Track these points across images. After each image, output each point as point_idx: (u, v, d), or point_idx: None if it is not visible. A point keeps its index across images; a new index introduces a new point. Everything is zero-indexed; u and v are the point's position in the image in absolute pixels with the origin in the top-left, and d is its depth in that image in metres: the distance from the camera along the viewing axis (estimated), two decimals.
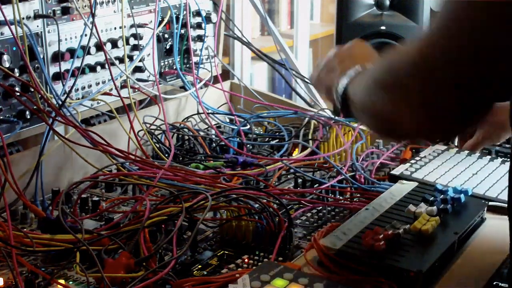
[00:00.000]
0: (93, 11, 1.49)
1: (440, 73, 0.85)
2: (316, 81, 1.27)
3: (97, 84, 1.60)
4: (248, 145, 1.67)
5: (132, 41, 1.68)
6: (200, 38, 1.87)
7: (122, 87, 1.65)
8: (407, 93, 0.89)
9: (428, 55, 0.86)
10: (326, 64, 1.23)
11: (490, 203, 1.28)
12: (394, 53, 0.98)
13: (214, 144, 1.66)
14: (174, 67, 1.82)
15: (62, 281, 1.04)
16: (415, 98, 0.88)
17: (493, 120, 1.49)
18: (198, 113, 1.80)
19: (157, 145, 1.58)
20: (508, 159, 1.50)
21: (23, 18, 1.37)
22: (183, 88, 1.83)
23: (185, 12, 1.80)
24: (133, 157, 1.45)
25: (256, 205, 1.23)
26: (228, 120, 1.84)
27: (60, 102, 1.42)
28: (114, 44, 1.62)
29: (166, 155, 1.54)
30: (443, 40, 0.84)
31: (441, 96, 0.86)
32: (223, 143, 1.64)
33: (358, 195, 1.39)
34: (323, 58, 1.26)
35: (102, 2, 1.59)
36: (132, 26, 1.68)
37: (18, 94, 1.37)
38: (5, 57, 1.35)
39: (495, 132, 1.51)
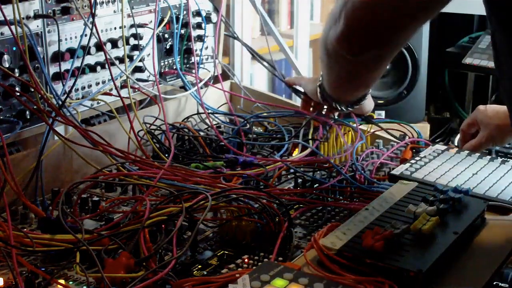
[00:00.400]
0: (93, 11, 1.49)
1: None
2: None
3: (97, 84, 1.60)
4: (248, 145, 1.67)
5: (132, 41, 1.68)
6: (200, 38, 1.87)
7: (122, 87, 1.65)
8: (337, 15, 1.04)
9: None
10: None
11: (490, 203, 1.28)
12: None
13: (214, 144, 1.66)
14: (174, 67, 1.82)
15: (62, 281, 1.04)
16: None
17: (498, 123, 1.50)
18: (198, 113, 1.80)
19: (157, 145, 1.58)
20: (508, 159, 1.50)
21: (23, 18, 1.37)
22: (183, 88, 1.84)
23: (185, 12, 1.80)
24: (133, 157, 1.45)
25: (256, 205, 1.23)
26: (228, 120, 1.84)
27: (60, 102, 1.42)
28: (114, 44, 1.62)
29: (166, 155, 1.54)
30: None
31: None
32: (223, 143, 1.64)
33: (358, 195, 1.39)
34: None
35: (102, 2, 1.59)
36: (132, 26, 1.68)
37: (18, 94, 1.37)
38: (5, 57, 1.35)
39: (499, 135, 1.51)
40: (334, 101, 1.53)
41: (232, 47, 2.19)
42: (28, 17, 1.41)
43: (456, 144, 1.67)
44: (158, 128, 1.66)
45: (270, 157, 1.60)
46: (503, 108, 1.52)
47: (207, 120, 1.76)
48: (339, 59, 1.11)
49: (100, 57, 1.58)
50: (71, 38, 1.51)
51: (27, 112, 1.40)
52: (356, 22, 1.00)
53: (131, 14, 1.67)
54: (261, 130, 1.81)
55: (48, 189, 1.38)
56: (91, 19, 1.49)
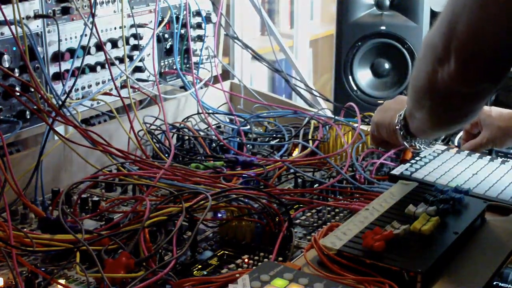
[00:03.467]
0: (93, 11, 1.49)
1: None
2: (373, 127, 1.44)
3: (97, 84, 1.60)
4: (248, 145, 1.67)
5: (132, 41, 1.68)
6: (200, 38, 1.88)
7: (122, 87, 1.65)
8: (440, 55, 1.01)
9: None
10: (379, 109, 1.44)
11: (490, 203, 1.28)
12: (427, 34, 1.10)
13: (214, 144, 1.66)
14: (174, 67, 1.82)
15: (62, 281, 1.04)
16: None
17: (500, 125, 1.49)
18: (198, 113, 1.80)
19: (157, 145, 1.58)
20: (508, 159, 1.50)
21: (23, 18, 1.37)
22: (183, 88, 1.84)
23: (185, 12, 1.80)
24: (133, 157, 1.45)
25: (256, 205, 1.23)
26: (228, 120, 1.84)
27: (60, 102, 1.42)
28: (114, 44, 1.62)
29: (166, 155, 1.54)
30: None
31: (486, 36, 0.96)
32: (223, 143, 1.64)
33: (358, 195, 1.39)
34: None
35: (102, 2, 1.59)
36: (132, 26, 1.68)
37: (18, 94, 1.37)
38: (5, 57, 1.35)
39: (500, 137, 1.51)
40: (417, 141, 1.41)
41: (232, 47, 2.19)
42: (28, 17, 1.41)
43: (456, 144, 1.67)
44: (158, 128, 1.67)
45: (270, 157, 1.60)
46: (508, 110, 1.52)
47: (206, 120, 1.76)
48: (453, 98, 1.08)
49: (100, 57, 1.58)
50: (71, 38, 1.51)
51: (27, 112, 1.40)
52: (470, 57, 0.98)
53: (131, 14, 1.67)
54: (261, 130, 1.81)
55: (48, 189, 1.38)
56: (91, 19, 1.49)
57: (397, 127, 1.32)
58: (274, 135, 1.74)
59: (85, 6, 1.52)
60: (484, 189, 1.35)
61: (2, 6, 1.32)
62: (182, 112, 1.83)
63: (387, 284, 1.00)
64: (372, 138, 1.47)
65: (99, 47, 1.55)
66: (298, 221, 1.29)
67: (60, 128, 1.57)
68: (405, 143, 1.36)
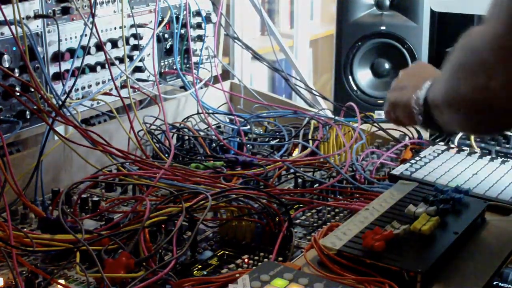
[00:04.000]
0: (93, 11, 1.49)
1: None
2: (389, 107, 1.28)
3: (97, 84, 1.60)
4: (248, 145, 1.67)
5: (132, 41, 1.68)
6: (200, 38, 1.88)
7: (122, 87, 1.65)
8: (491, 65, 0.92)
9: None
10: (394, 86, 1.27)
11: (490, 203, 1.28)
12: (465, 36, 1.00)
13: (214, 144, 1.66)
14: (174, 67, 1.82)
15: (62, 281, 1.04)
16: (500, 68, 0.91)
17: None
18: (198, 113, 1.80)
19: (157, 145, 1.58)
20: (508, 159, 1.50)
21: (23, 18, 1.37)
22: (183, 88, 1.84)
23: (185, 12, 1.80)
24: (133, 157, 1.45)
25: (256, 205, 1.23)
26: (228, 120, 1.84)
27: (60, 102, 1.42)
28: (114, 44, 1.62)
29: (166, 155, 1.54)
30: None
31: None
32: (223, 143, 1.64)
33: (358, 195, 1.39)
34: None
35: (102, 2, 1.59)
36: (132, 26, 1.68)
37: (18, 94, 1.37)
38: (5, 57, 1.35)
39: None
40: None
41: (232, 47, 2.19)
42: (28, 17, 1.41)
43: (456, 144, 1.67)
44: (158, 128, 1.67)
45: (270, 157, 1.60)
46: None
47: (206, 121, 1.76)
48: (496, 116, 0.99)
49: (100, 57, 1.58)
50: (71, 38, 1.51)
51: (27, 112, 1.40)
52: None
53: (131, 14, 1.67)
54: (261, 130, 1.81)
55: (48, 189, 1.38)
56: (91, 19, 1.49)
57: (414, 110, 1.16)
58: (274, 135, 1.74)
59: (85, 6, 1.52)
60: (484, 189, 1.35)
61: (2, 6, 1.32)
62: (182, 112, 1.83)
63: (387, 284, 1.00)
64: (387, 116, 1.33)
65: (99, 47, 1.55)
66: (298, 221, 1.29)
67: (60, 128, 1.57)
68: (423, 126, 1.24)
